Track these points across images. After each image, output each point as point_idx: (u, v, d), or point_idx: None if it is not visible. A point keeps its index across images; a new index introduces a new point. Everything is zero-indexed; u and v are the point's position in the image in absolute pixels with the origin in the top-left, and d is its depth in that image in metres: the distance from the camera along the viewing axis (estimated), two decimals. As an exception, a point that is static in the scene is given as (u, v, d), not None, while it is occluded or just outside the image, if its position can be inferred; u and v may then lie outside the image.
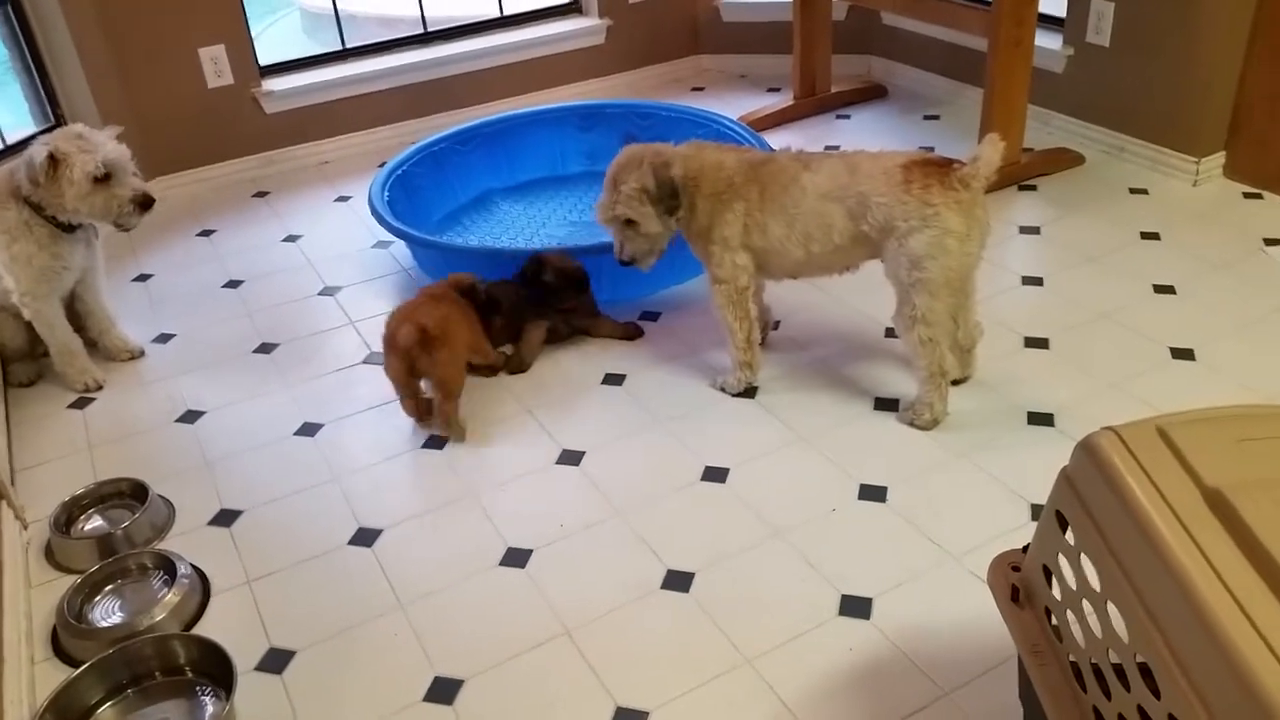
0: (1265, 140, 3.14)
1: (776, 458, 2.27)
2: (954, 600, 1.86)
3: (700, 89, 4.42)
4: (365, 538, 2.12)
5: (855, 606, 1.87)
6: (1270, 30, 3.02)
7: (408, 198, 3.23)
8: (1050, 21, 3.53)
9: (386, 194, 3.13)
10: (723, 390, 2.49)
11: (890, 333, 2.61)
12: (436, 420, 2.42)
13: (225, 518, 2.21)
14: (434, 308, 2.41)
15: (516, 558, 2.04)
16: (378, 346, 2.71)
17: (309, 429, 2.47)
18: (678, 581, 1.95)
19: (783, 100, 4.09)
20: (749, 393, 2.47)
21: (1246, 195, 3.18)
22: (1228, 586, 1.03)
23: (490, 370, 2.62)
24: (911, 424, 2.32)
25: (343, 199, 3.66)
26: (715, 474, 2.23)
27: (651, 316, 2.82)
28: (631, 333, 2.74)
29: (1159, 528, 1.08)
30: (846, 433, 2.32)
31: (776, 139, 3.66)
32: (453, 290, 2.52)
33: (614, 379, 2.57)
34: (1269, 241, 2.92)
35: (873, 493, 2.14)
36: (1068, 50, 3.49)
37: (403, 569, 2.03)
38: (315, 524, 2.17)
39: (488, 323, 2.56)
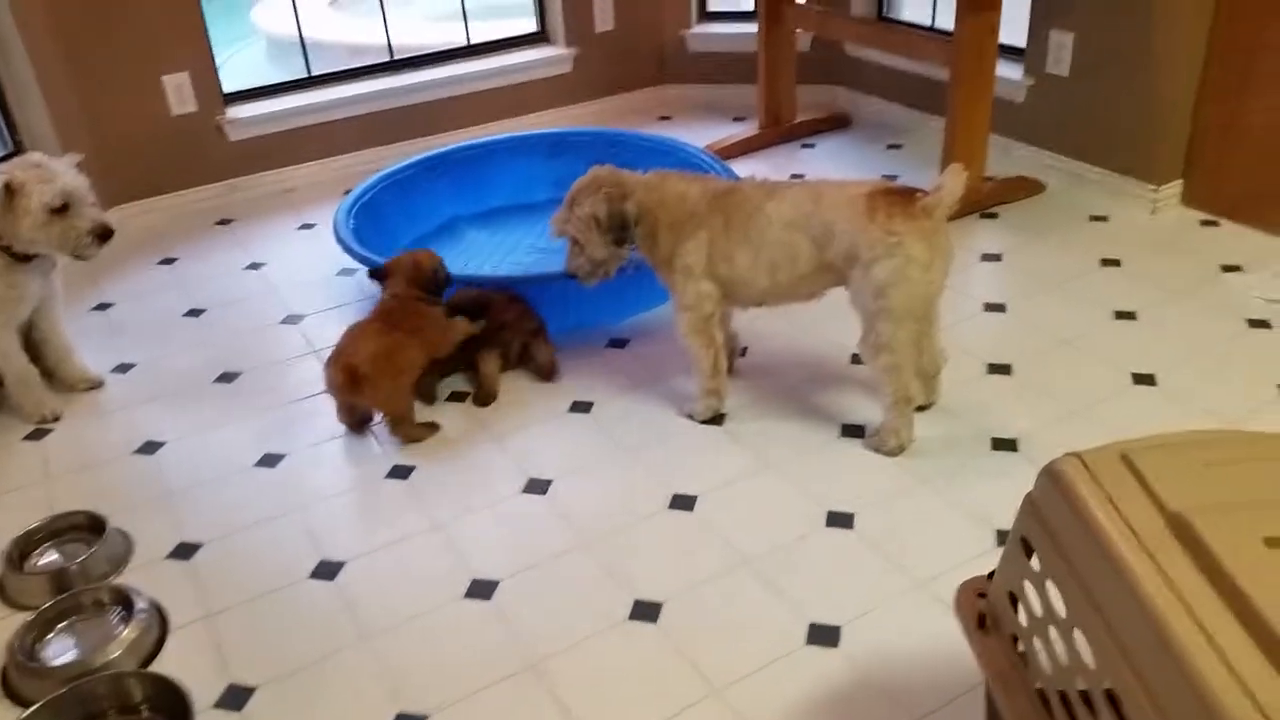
0: (1220, 169, 3.20)
1: (744, 485, 2.26)
2: (921, 627, 1.86)
3: (667, 118, 4.45)
4: (327, 570, 2.09)
5: (823, 635, 1.86)
6: (1223, 62, 3.08)
7: (373, 225, 3.21)
8: (1011, 52, 3.58)
9: (352, 221, 3.11)
10: (690, 418, 2.48)
11: (856, 359, 2.62)
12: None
13: (185, 550, 2.17)
14: (372, 339, 2.39)
15: (482, 589, 2.01)
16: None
17: (271, 459, 2.43)
18: (646, 611, 1.93)
19: (748, 129, 4.12)
20: (716, 420, 2.47)
21: (1204, 223, 3.24)
22: (1192, 611, 1.03)
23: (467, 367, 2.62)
24: (878, 450, 2.32)
25: (307, 226, 3.63)
26: (683, 502, 2.22)
27: (619, 344, 2.82)
28: (549, 373, 2.67)
29: (1123, 553, 1.09)
30: (813, 459, 2.32)
31: (742, 167, 3.67)
32: (408, 294, 2.51)
33: (581, 406, 2.56)
34: (1226, 268, 2.96)
35: (840, 519, 2.14)
36: (1028, 80, 3.55)
37: (366, 602, 2.00)
38: (277, 556, 2.13)
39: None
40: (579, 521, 2.17)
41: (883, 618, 1.89)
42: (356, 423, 2.50)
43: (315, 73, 4.06)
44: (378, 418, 2.51)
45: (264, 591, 2.04)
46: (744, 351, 2.72)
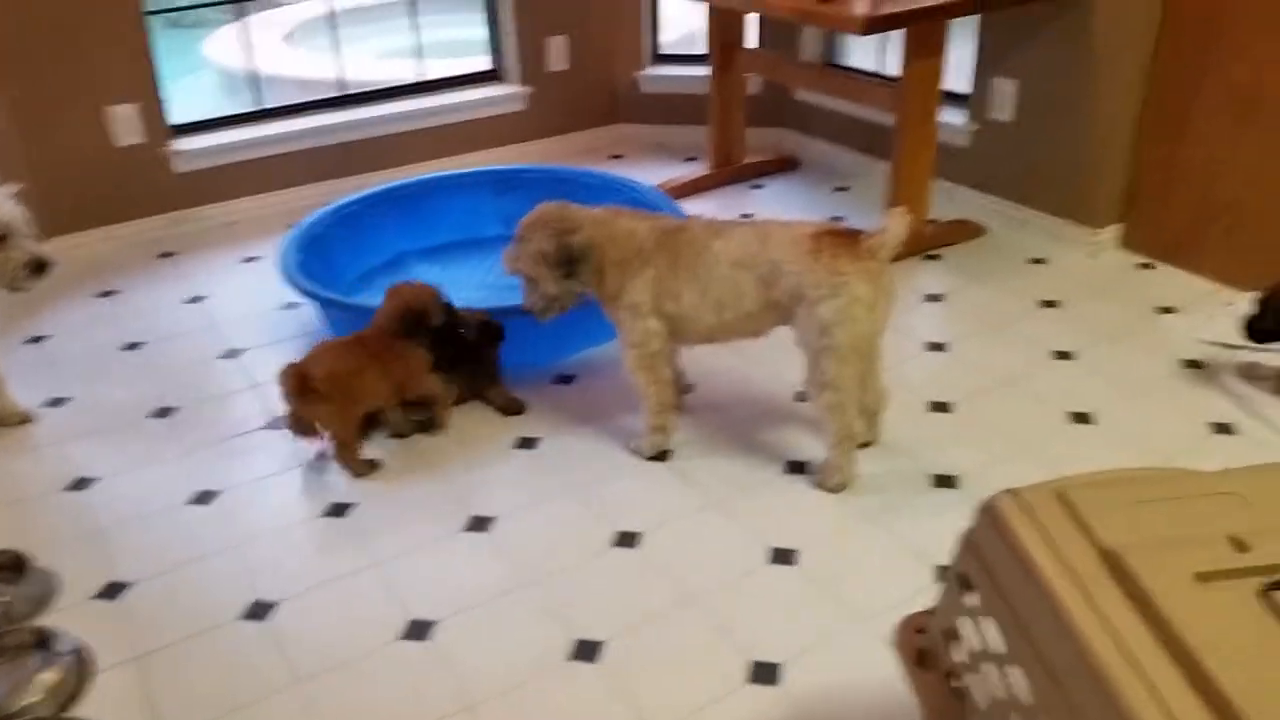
0: (1157, 214, 3.29)
1: (689, 522, 2.25)
2: (862, 664, 1.85)
3: (619, 157, 4.47)
4: (261, 610, 2.03)
5: (765, 673, 1.84)
6: (1159, 110, 3.18)
7: (319, 258, 3.17)
8: (955, 98, 3.66)
9: (297, 254, 3.07)
10: (636, 454, 2.47)
11: (801, 397, 2.63)
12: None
13: (114, 590, 2.10)
14: (336, 357, 2.40)
15: (419, 630, 1.97)
16: (280, 412, 2.65)
17: (206, 496, 2.37)
18: (587, 651, 1.91)
19: (699, 169, 4.16)
20: (662, 456, 2.46)
21: (1141, 265, 3.31)
22: (1125, 647, 1.03)
23: (428, 411, 2.58)
24: (821, 487, 2.33)
25: (250, 260, 3.59)
26: (627, 539, 2.20)
27: (566, 380, 2.80)
28: (514, 408, 2.68)
29: (1058, 589, 1.09)
30: (758, 496, 2.32)
31: (693, 207, 3.70)
32: (385, 330, 2.47)
33: (527, 443, 2.54)
34: (1162, 310, 3.03)
35: (783, 556, 2.13)
36: (972, 126, 3.63)
37: (300, 643, 1.95)
38: (209, 596, 2.08)
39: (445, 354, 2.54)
40: (521, 560, 2.14)
41: (824, 654, 1.88)
42: (303, 430, 2.48)
43: (266, 106, 4.03)
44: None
45: (195, 632, 1.98)
46: (691, 388, 2.72)
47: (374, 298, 3.21)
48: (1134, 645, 1.03)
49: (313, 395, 2.34)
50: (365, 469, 2.43)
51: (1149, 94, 3.18)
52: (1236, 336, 2.69)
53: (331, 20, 4.20)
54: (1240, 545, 1.14)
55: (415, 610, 2.02)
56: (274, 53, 6.05)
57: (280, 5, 6.84)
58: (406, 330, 2.49)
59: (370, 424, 2.55)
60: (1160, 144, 3.21)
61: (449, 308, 2.57)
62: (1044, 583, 1.10)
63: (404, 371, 2.49)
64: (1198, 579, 1.10)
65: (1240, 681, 0.98)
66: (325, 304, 2.91)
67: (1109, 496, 1.20)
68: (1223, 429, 2.49)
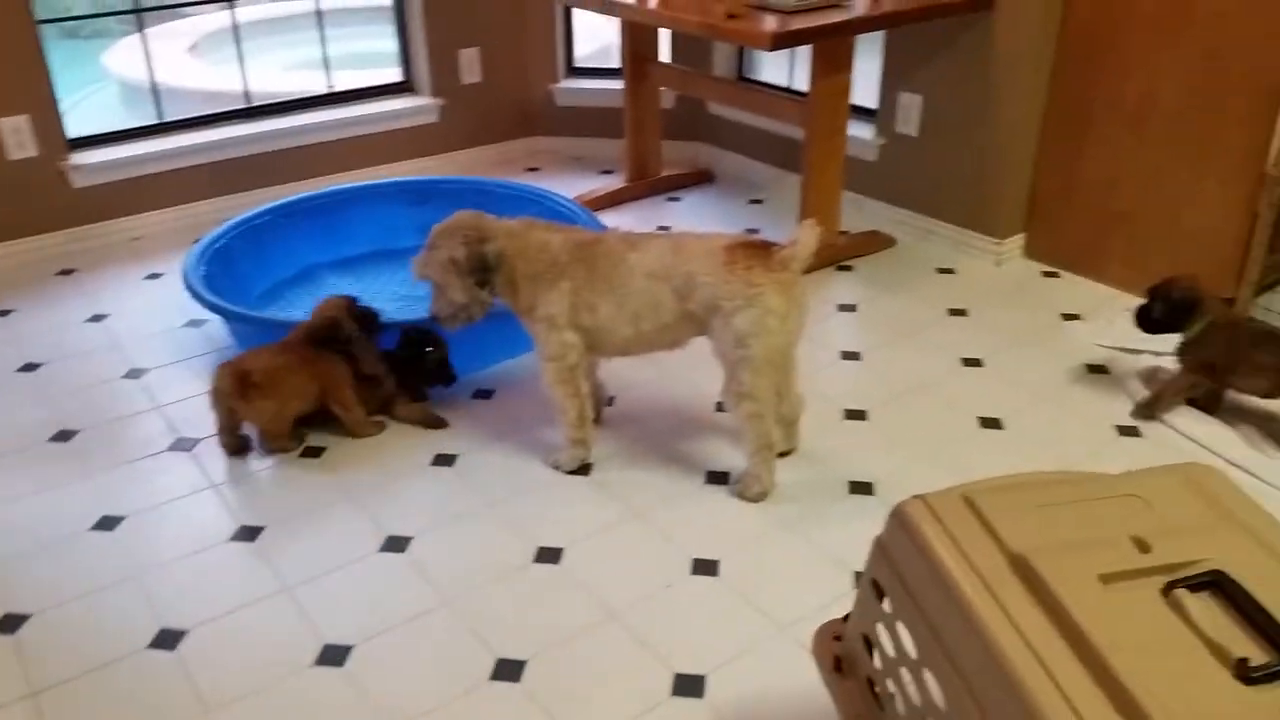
0: (1058, 223, 3.40)
1: (611, 535, 2.24)
2: (784, 672, 1.87)
3: (535, 169, 4.46)
4: (168, 639, 1.96)
5: (688, 685, 1.84)
6: (1058, 124, 3.29)
7: (226, 271, 3.10)
8: (863, 113, 3.74)
9: (202, 267, 3.00)
10: (556, 468, 2.46)
11: (720, 407, 2.64)
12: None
13: (10, 623, 2.01)
14: (271, 355, 2.45)
15: (334, 655, 1.92)
16: (186, 431, 2.59)
17: (108, 522, 2.29)
18: (508, 671, 1.88)
19: (616, 182, 4.17)
20: (583, 470, 2.45)
21: (1045, 274, 3.42)
22: (1033, 649, 1.06)
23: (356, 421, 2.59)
24: (741, 496, 2.34)
25: (154, 276, 3.48)
26: (549, 555, 2.18)
27: (485, 395, 2.78)
28: (436, 422, 2.65)
29: (966, 593, 1.11)
30: (679, 507, 2.32)
31: (610, 219, 3.71)
32: (308, 340, 2.51)
33: (444, 460, 2.50)
34: (1066, 316, 3.13)
35: (705, 567, 2.14)
36: (880, 140, 3.70)
37: (209, 672, 1.89)
38: (112, 626, 2.00)
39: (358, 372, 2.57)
40: (439, 579, 2.11)
41: (747, 664, 1.89)
42: (235, 445, 2.49)
43: (170, 118, 3.92)
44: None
45: (98, 664, 1.90)
46: (611, 401, 2.72)
47: (282, 311, 3.19)
48: (1041, 646, 1.05)
49: (253, 391, 2.38)
50: (290, 446, 2.51)
51: (1049, 108, 3.29)
52: (1137, 340, 2.80)
53: (235, 32, 4.10)
54: (1142, 546, 1.18)
55: (330, 635, 1.97)
56: (178, 65, 5.90)
57: (185, 16, 6.66)
58: (317, 343, 2.51)
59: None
60: (1060, 156, 3.32)
61: (433, 339, 2.62)
62: (953, 587, 1.12)
63: (330, 379, 2.51)
64: (1102, 580, 1.13)
65: (1144, 678, 1.01)
66: (231, 318, 2.84)
67: (1015, 501, 1.23)
68: (1128, 431, 2.58)
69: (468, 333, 2.60)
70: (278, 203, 3.47)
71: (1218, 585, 1.13)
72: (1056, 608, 1.09)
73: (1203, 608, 1.11)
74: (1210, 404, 2.61)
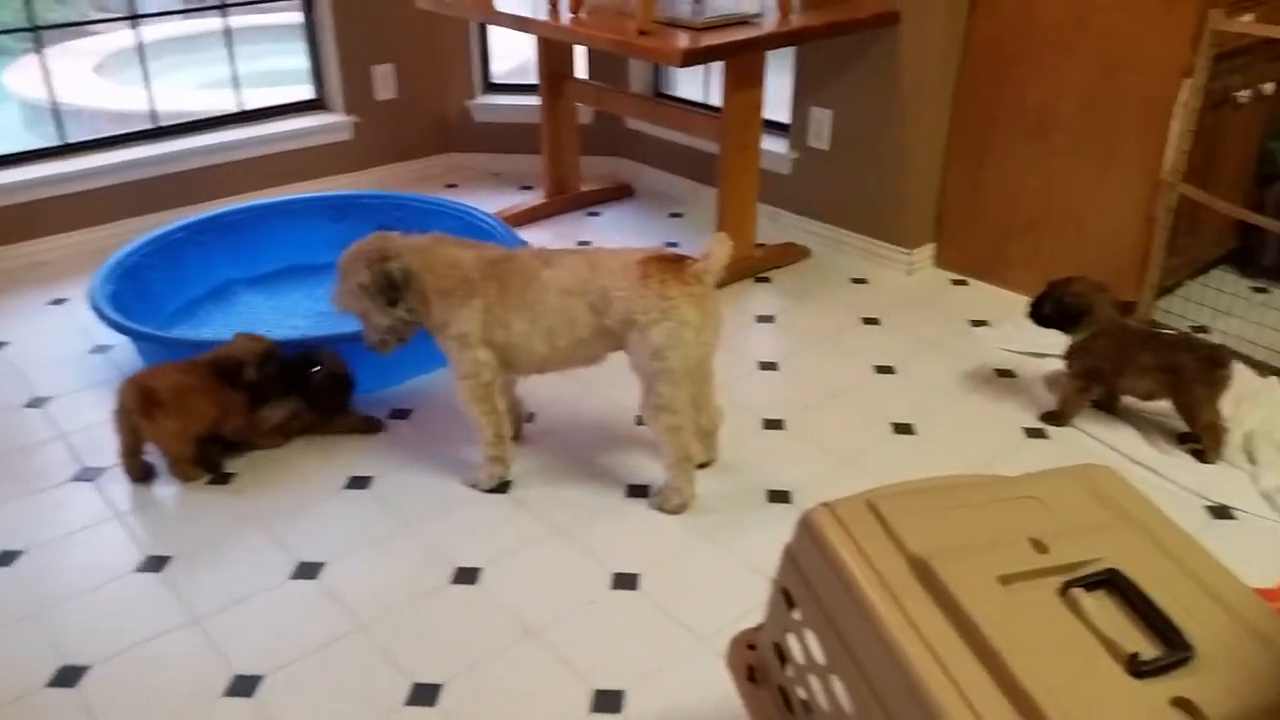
0: (965, 234, 3.48)
1: (530, 553, 2.22)
2: (704, 684, 1.87)
3: (454, 186, 4.43)
4: (69, 677, 1.89)
5: (607, 701, 1.84)
6: (962, 137, 3.38)
7: (135, 290, 3.04)
8: (777, 127, 3.79)
9: (110, 286, 2.94)
10: (475, 487, 2.43)
11: (640, 421, 2.65)
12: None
13: (-102, 667, 1.92)
14: (176, 374, 2.40)
15: (244, 686, 1.87)
16: (90, 461, 2.51)
17: (6, 557, 2.20)
18: (424, 695, 1.85)
19: (535, 198, 4.16)
20: (502, 488, 2.43)
21: (954, 282, 3.50)
22: (933, 651, 1.08)
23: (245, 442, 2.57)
24: (661, 509, 2.35)
25: (58, 302, 3.37)
26: (467, 575, 2.16)
27: (402, 414, 2.74)
28: (372, 426, 2.65)
29: (870, 597, 1.13)
30: (600, 522, 2.32)
31: (531, 235, 3.71)
32: (209, 367, 2.46)
33: (359, 482, 2.46)
34: (975, 323, 3.21)
35: (626, 581, 2.14)
36: (793, 154, 3.76)
37: (113, 708, 1.82)
38: (9, 665, 1.92)
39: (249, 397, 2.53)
40: (353, 605, 2.07)
41: (667, 677, 1.89)
42: (139, 470, 2.44)
43: (72, 140, 3.80)
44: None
45: (-7, 706, 1.83)
46: (531, 417, 2.71)
47: (194, 330, 3.14)
48: (942, 648, 1.07)
49: (158, 410, 2.33)
50: (196, 474, 2.45)
51: (954, 120, 3.38)
52: (1042, 346, 2.88)
53: (140, 51, 4.00)
54: (1040, 547, 1.21)
55: (240, 665, 1.92)
56: (83, 84, 5.74)
57: (90, 34, 6.49)
58: (221, 376, 2.46)
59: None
60: (965, 168, 3.41)
61: (314, 358, 2.58)
62: (856, 591, 1.13)
63: (228, 406, 2.47)
64: (1001, 581, 1.16)
65: (1041, 676, 1.04)
66: (137, 337, 2.79)
67: (917, 505, 1.25)
68: (1035, 434, 2.64)
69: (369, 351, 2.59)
70: (191, 219, 3.42)
71: (1112, 583, 1.16)
72: (956, 610, 1.11)
73: (1098, 606, 1.14)
74: (1107, 405, 2.69)
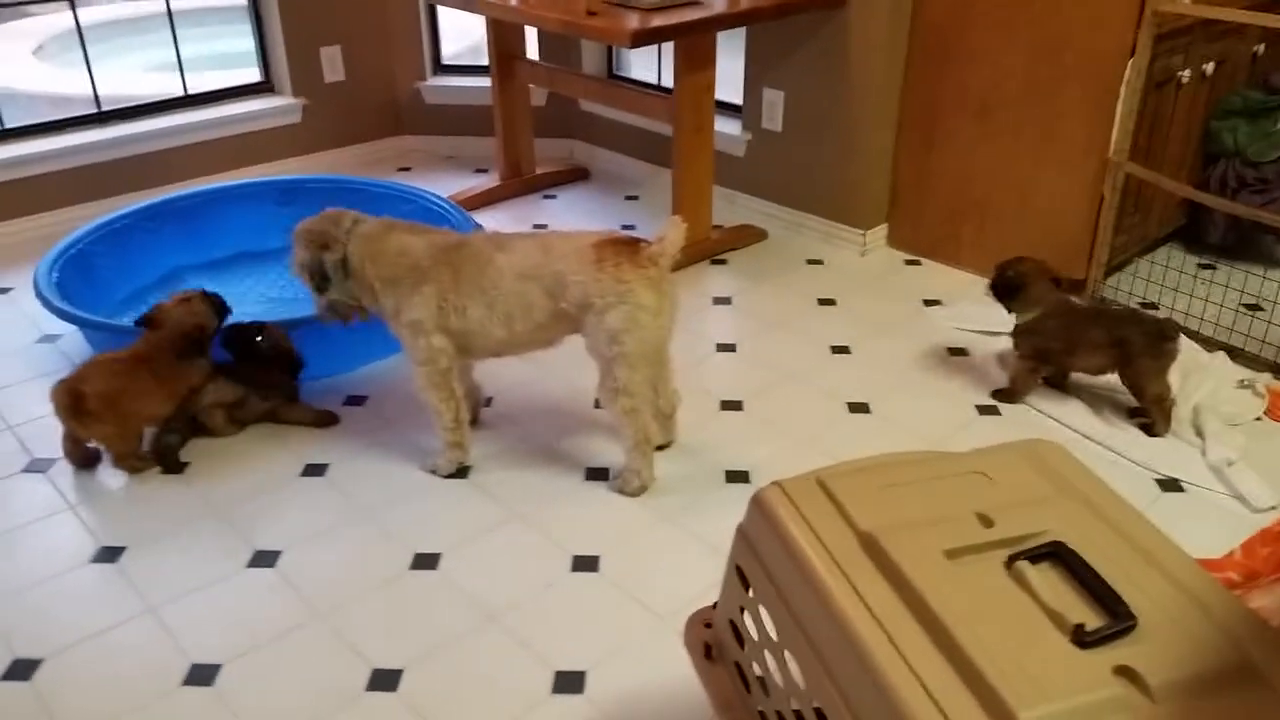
0: (917, 214, 3.52)
1: (490, 538, 2.23)
2: (663, 663, 1.89)
3: (407, 169, 4.39)
4: (22, 670, 1.87)
5: (569, 682, 1.85)
6: (912, 119, 3.41)
7: (82, 278, 3.00)
8: (730, 109, 3.80)
9: (55, 274, 2.89)
10: (434, 473, 2.43)
11: (598, 404, 2.66)
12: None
13: None
14: (110, 375, 2.35)
15: (202, 675, 1.86)
16: (39, 452, 2.48)
17: (-46, 552, 2.17)
18: (385, 681, 1.86)
19: (490, 181, 4.14)
20: (461, 473, 2.43)
21: (908, 262, 3.53)
22: (881, 624, 1.10)
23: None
24: (621, 491, 2.36)
25: (2, 291, 3.30)
26: (426, 561, 2.16)
27: (358, 400, 2.72)
28: (327, 419, 2.63)
29: (820, 573, 1.15)
30: (559, 506, 2.32)
31: (485, 218, 3.69)
32: (164, 346, 2.42)
33: (315, 469, 2.45)
34: (928, 302, 3.25)
35: (586, 563, 2.15)
36: (746, 135, 3.77)
37: (68, 701, 1.81)
38: (-40, 661, 1.90)
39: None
40: (311, 592, 2.07)
41: (627, 658, 1.91)
42: (81, 456, 2.41)
43: (9, 125, 3.72)
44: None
45: (-56, 703, 1.81)
46: (489, 401, 2.70)
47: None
48: (890, 622, 1.10)
49: (87, 416, 2.31)
50: (146, 464, 2.43)
51: (903, 101, 3.41)
52: (994, 324, 2.92)
53: (79, 33, 3.90)
54: (986, 521, 1.24)
55: (196, 655, 1.91)
56: (23, 68, 5.60)
57: (31, 15, 6.33)
58: (188, 350, 2.45)
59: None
60: (915, 149, 3.44)
61: (258, 327, 2.57)
62: (806, 567, 1.15)
63: (185, 385, 2.45)
64: (947, 555, 1.18)
65: (987, 648, 1.06)
66: (87, 326, 2.74)
67: (866, 482, 1.27)
68: (987, 410, 2.69)
69: (324, 336, 2.58)
70: (139, 205, 3.38)
71: (1057, 555, 1.19)
72: (903, 584, 1.13)
73: (1043, 578, 1.16)
74: (1057, 381, 2.74)
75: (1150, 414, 2.56)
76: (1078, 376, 2.72)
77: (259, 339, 2.56)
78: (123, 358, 2.40)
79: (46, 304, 2.75)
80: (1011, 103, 3.16)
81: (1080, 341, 2.59)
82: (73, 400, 2.29)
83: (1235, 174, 3.33)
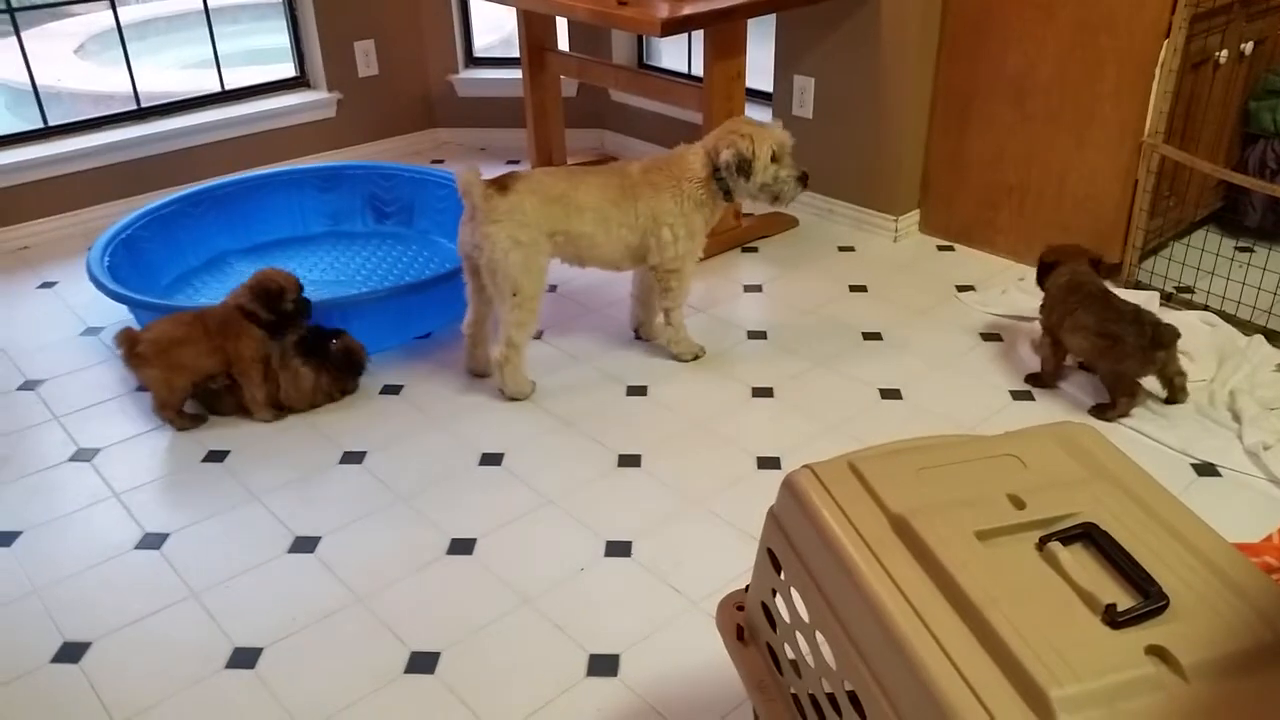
0: (950, 199, 3.50)
1: (524, 522, 2.26)
2: (697, 645, 1.91)
3: (440, 161, 4.42)
4: (72, 653, 1.92)
5: (603, 665, 1.87)
6: (945, 104, 3.38)
7: (132, 261, 3.12)
8: (760, 96, 3.79)
9: (107, 258, 3.01)
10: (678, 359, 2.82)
11: (631, 390, 2.68)
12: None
13: (-99, 649, 1.95)
14: (168, 326, 2.54)
15: (245, 658, 1.90)
16: (85, 442, 2.53)
17: (5, 538, 2.22)
18: (423, 663, 1.89)
19: (522, 171, 4.15)
20: (495, 460, 2.45)
21: (940, 248, 3.52)
22: (913, 605, 1.11)
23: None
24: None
25: (46, 285, 3.37)
26: (462, 546, 2.19)
27: (394, 390, 2.76)
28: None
29: (852, 555, 1.16)
30: (592, 492, 2.35)
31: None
32: (241, 304, 2.57)
33: (353, 456, 2.49)
34: (960, 288, 3.23)
35: (619, 548, 2.17)
36: (777, 123, 3.73)
37: (116, 683, 1.85)
38: (12, 643, 1.95)
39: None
40: (350, 577, 2.10)
41: (660, 641, 1.93)
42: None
43: (54, 123, 3.79)
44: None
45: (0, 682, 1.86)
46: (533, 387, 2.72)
47: (192, 299, 3.23)
48: (921, 603, 1.10)
49: (137, 360, 2.51)
50: (187, 423, 2.59)
51: (936, 86, 3.39)
52: (1027, 309, 2.90)
53: (119, 31, 3.97)
54: (1018, 503, 1.24)
55: (240, 638, 1.95)
56: (65, 66, 5.70)
57: (73, 15, 6.43)
58: (261, 303, 2.56)
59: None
60: (949, 133, 3.42)
61: (335, 331, 2.70)
62: (838, 549, 1.16)
63: (241, 348, 2.55)
64: (979, 536, 1.18)
65: (1018, 628, 1.06)
66: (137, 307, 2.85)
67: (896, 466, 1.28)
68: (1021, 396, 2.67)
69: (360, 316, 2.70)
70: (185, 191, 3.49)
71: (1089, 537, 1.19)
72: (935, 565, 1.14)
73: (1074, 559, 1.16)
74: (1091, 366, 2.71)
75: (1115, 403, 2.53)
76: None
77: (333, 342, 2.67)
78: (189, 313, 2.58)
79: (98, 285, 2.85)
80: (1047, 85, 3.13)
81: (1069, 316, 2.55)
82: (128, 346, 2.50)
83: (1275, 154, 3.28)
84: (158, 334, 2.52)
